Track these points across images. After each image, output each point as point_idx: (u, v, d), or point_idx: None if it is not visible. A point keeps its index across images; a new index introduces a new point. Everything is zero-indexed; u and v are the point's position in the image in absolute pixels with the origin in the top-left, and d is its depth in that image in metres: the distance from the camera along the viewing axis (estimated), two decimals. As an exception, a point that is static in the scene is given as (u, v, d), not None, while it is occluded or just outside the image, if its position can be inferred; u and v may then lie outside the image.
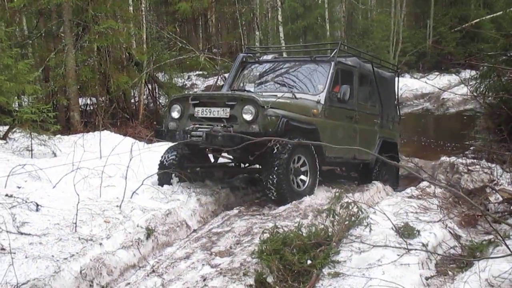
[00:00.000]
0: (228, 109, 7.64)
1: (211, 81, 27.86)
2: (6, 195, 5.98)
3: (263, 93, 8.70)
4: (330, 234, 5.50)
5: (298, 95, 8.56)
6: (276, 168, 7.40)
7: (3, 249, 4.76)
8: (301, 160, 7.90)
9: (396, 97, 11.55)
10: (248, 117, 7.43)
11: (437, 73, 28.58)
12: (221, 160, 9.01)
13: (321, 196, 8.05)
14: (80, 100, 16.82)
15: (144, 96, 19.63)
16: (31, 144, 10.47)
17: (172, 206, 6.90)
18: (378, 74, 10.41)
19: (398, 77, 12.17)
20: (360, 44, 27.42)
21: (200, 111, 7.88)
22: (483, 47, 24.41)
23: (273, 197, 7.57)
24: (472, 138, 14.69)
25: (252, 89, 9.22)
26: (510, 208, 7.05)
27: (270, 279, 4.74)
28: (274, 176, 7.40)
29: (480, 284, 4.15)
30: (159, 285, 4.82)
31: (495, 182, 8.45)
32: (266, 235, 5.33)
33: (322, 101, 8.57)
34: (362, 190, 8.87)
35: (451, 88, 25.87)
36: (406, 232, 5.40)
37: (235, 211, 7.52)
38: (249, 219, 6.87)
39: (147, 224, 6.08)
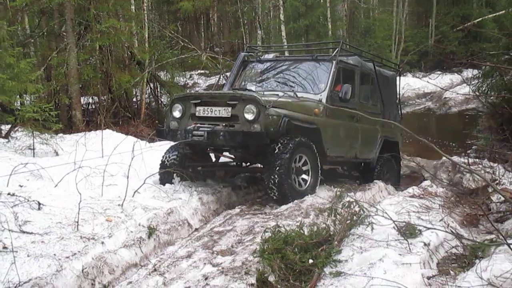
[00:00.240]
0: (230, 109, 7.63)
1: (213, 80, 27.89)
2: (8, 193, 5.99)
3: (265, 92, 8.70)
4: (331, 233, 5.51)
5: (299, 94, 8.55)
6: (277, 168, 7.39)
7: (5, 247, 4.76)
8: (303, 159, 7.89)
9: (398, 96, 11.53)
10: (249, 116, 7.42)
11: (439, 72, 28.58)
12: (222, 159, 9.00)
13: (323, 195, 8.03)
14: (82, 99, 16.86)
15: (146, 95, 19.65)
16: (33, 143, 10.49)
17: (174, 205, 6.91)
18: (379, 73, 10.40)
19: (400, 76, 12.16)
20: (362, 43, 27.41)
21: (201, 111, 7.87)
22: (485, 46, 24.34)
23: (274, 197, 7.56)
24: (474, 137, 14.70)
25: (253, 88, 9.22)
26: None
27: (271, 278, 4.74)
28: (276, 176, 7.39)
29: (481, 283, 4.14)
30: (160, 284, 4.83)
31: (497, 181, 8.45)
32: (268, 234, 5.33)
33: (324, 100, 8.56)
34: (364, 189, 8.87)
35: (453, 87, 25.85)
36: (407, 231, 5.39)
37: (237, 210, 7.52)
38: (251, 218, 6.87)
39: (149, 223, 6.09)
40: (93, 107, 17.99)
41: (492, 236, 5.70)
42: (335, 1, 32.43)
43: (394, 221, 5.48)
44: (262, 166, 8.33)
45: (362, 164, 10.22)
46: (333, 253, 5.02)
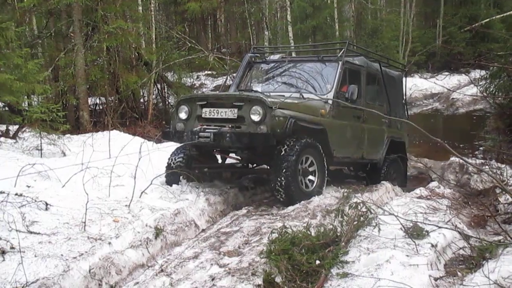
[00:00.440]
0: (236, 110, 7.61)
1: (220, 81, 27.92)
2: (16, 194, 6.01)
3: (271, 93, 8.68)
4: (338, 234, 5.50)
5: (305, 95, 8.53)
6: (284, 170, 7.38)
7: (12, 248, 4.78)
8: (309, 160, 7.87)
9: (404, 96, 11.50)
10: (256, 117, 7.40)
11: (446, 73, 28.50)
12: (228, 160, 9.00)
13: (330, 196, 8.02)
14: (89, 99, 16.91)
15: (153, 96, 19.68)
16: (41, 143, 10.52)
17: (181, 205, 6.91)
18: (385, 73, 10.37)
19: (406, 76, 12.12)
20: (369, 44, 27.34)
21: (207, 112, 7.86)
22: (493, 47, 24.27)
23: (281, 199, 7.55)
24: (482, 138, 14.65)
25: (259, 90, 9.21)
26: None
27: (278, 279, 4.73)
28: (283, 179, 7.38)
29: (489, 285, 4.13)
30: (167, 284, 4.83)
31: (505, 182, 8.42)
32: (275, 235, 5.33)
33: (330, 102, 8.55)
34: (371, 190, 8.84)
35: (460, 88, 25.80)
36: (415, 232, 5.38)
37: (244, 211, 7.51)
38: (258, 219, 6.86)
39: (156, 223, 6.09)
40: (101, 107, 18.03)
41: (500, 237, 5.68)
42: (342, 1, 32.41)
43: (401, 222, 5.47)
44: (268, 167, 8.31)
45: (369, 164, 10.18)
46: (340, 254, 5.01)
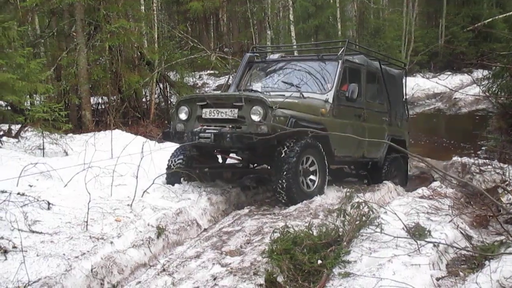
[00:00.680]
0: (236, 110, 7.60)
1: (222, 80, 27.92)
2: (18, 193, 6.02)
3: (271, 93, 8.68)
4: (340, 234, 5.49)
5: (305, 95, 8.52)
6: (285, 172, 7.38)
7: (14, 247, 4.79)
8: (310, 160, 7.87)
9: (404, 94, 11.49)
10: (256, 117, 7.39)
11: (449, 72, 28.45)
12: (229, 161, 8.99)
13: (332, 196, 8.03)
14: (91, 99, 16.91)
15: (156, 95, 19.69)
16: (43, 142, 10.53)
17: (183, 205, 6.92)
18: (385, 71, 10.37)
19: (406, 74, 12.11)
20: (371, 43, 27.33)
21: (207, 112, 7.85)
22: (496, 46, 24.27)
23: (283, 200, 7.56)
24: (484, 138, 14.62)
25: (259, 89, 9.20)
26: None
27: (280, 279, 4.73)
28: (284, 181, 7.38)
29: (491, 285, 4.12)
30: (169, 284, 4.83)
31: (507, 182, 8.40)
32: (277, 235, 5.33)
33: (330, 100, 8.54)
34: (373, 190, 8.84)
35: (463, 88, 25.75)
36: (417, 232, 5.37)
37: (246, 210, 7.52)
38: (260, 219, 6.86)
39: (158, 223, 6.10)
40: (103, 107, 18.04)
41: (502, 237, 5.66)
42: (345, 1, 32.39)
43: (403, 222, 5.46)
44: (269, 167, 8.30)
45: (370, 163, 10.18)
46: (342, 254, 5.00)
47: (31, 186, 6.70)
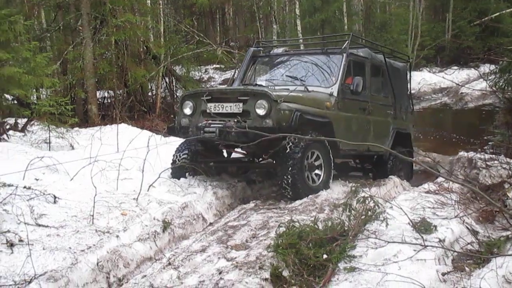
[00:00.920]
0: (241, 104, 7.58)
1: (228, 74, 27.93)
2: (24, 187, 6.03)
3: (275, 87, 8.66)
4: (346, 228, 5.49)
5: (310, 88, 8.50)
6: (290, 168, 7.36)
7: (21, 240, 4.80)
8: (315, 154, 7.85)
9: (409, 87, 11.45)
10: (261, 111, 7.38)
11: (456, 67, 28.37)
12: (234, 155, 8.99)
13: (338, 191, 8.02)
14: (97, 93, 16.95)
15: (162, 90, 19.72)
16: (49, 136, 10.56)
17: (188, 199, 6.92)
18: (390, 64, 10.33)
19: (411, 67, 12.06)
20: (378, 38, 27.25)
21: (212, 107, 7.83)
22: (503, 41, 24.10)
23: (289, 196, 7.54)
24: (491, 133, 14.56)
25: (263, 83, 9.18)
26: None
27: (285, 273, 4.74)
28: (289, 176, 7.36)
29: (497, 280, 4.12)
30: (175, 277, 4.83)
31: (514, 177, 8.38)
32: (282, 229, 5.33)
33: (335, 94, 8.52)
34: (379, 184, 8.82)
35: (469, 82, 25.67)
36: (422, 227, 5.37)
37: (252, 204, 7.51)
38: (265, 213, 6.86)
39: (164, 217, 6.11)
40: (109, 101, 18.08)
41: (508, 232, 5.65)
42: (351, -5, 32.32)
43: (409, 217, 5.46)
44: (274, 161, 8.29)
45: (375, 156, 10.16)
46: (348, 248, 5.00)
47: (37, 179, 6.71)
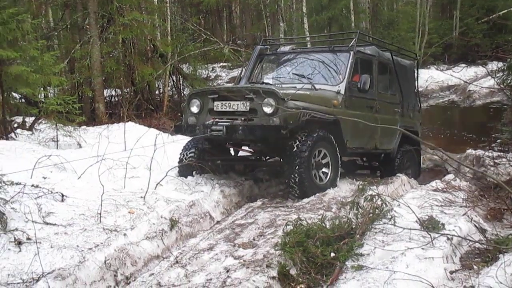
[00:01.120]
0: (248, 103, 7.57)
1: (235, 72, 27.91)
2: (32, 185, 6.04)
3: (282, 85, 8.64)
4: (353, 226, 5.48)
5: (317, 86, 8.47)
6: (297, 167, 7.34)
7: (29, 238, 4.81)
8: (322, 152, 7.84)
9: (416, 85, 11.41)
10: (268, 110, 7.36)
11: (463, 65, 28.24)
12: (241, 153, 8.98)
13: (345, 189, 8.01)
14: (105, 91, 16.99)
15: (169, 88, 19.76)
16: (57, 135, 10.59)
17: (196, 197, 6.93)
18: (397, 62, 10.29)
19: (418, 65, 12.02)
20: (385, 35, 27.17)
21: (219, 105, 7.82)
22: (511, 38, 24.02)
23: (296, 195, 7.54)
24: (499, 130, 14.52)
25: (270, 81, 9.17)
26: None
27: (293, 271, 4.74)
28: (296, 175, 7.35)
29: (505, 278, 4.10)
30: (182, 276, 4.84)
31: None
32: (290, 227, 5.33)
33: (342, 92, 8.49)
34: (386, 182, 8.81)
35: (477, 80, 25.53)
36: (430, 225, 5.35)
37: (259, 202, 7.51)
38: (273, 211, 6.86)
39: (171, 215, 6.11)
40: (116, 99, 18.13)
41: (517, 230, 5.63)
42: (358, -7, 32.22)
43: (417, 215, 5.44)
44: (281, 159, 8.28)
45: (382, 155, 10.14)
46: (355, 246, 4.99)
47: (45, 178, 6.73)
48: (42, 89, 13.37)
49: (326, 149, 7.87)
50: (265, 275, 4.55)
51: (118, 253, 5.01)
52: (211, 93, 8.03)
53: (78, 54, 16.06)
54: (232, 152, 9.03)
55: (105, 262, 4.80)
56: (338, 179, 8.07)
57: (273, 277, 4.58)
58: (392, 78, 10.13)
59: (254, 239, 5.74)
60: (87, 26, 16.82)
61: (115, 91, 18.14)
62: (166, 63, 18.63)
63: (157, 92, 19.93)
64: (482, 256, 5.03)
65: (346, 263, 4.77)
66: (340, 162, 8.14)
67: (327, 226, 5.41)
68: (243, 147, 8.64)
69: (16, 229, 4.90)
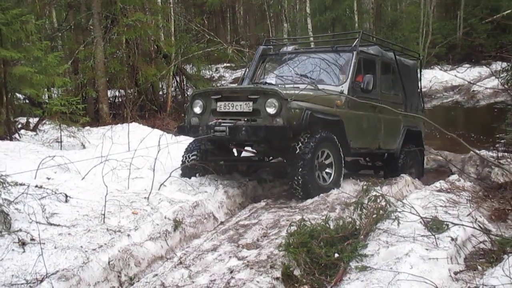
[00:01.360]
0: (251, 103, 7.56)
1: (239, 73, 27.90)
2: (36, 186, 6.05)
3: (285, 86, 8.63)
4: (357, 227, 5.47)
5: (320, 86, 8.45)
6: (300, 169, 7.34)
7: (33, 239, 4.82)
8: (325, 153, 7.83)
9: (419, 85, 11.38)
10: (271, 110, 7.35)
11: (467, 65, 28.19)
12: (244, 154, 8.97)
13: (349, 189, 7.99)
14: (108, 92, 17.02)
15: (172, 88, 19.77)
16: (61, 135, 10.61)
17: (199, 198, 6.92)
18: (400, 62, 10.26)
19: (421, 65, 11.99)
20: (389, 35, 27.16)
21: (222, 106, 7.81)
22: (515, 38, 24.01)
23: (299, 196, 7.52)
24: (503, 131, 14.49)
25: (273, 82, 9.15)
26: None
27: (297, 272, 4.73)
28: (299, 177, 7.34)
29: (510, 279, 4.08)
30: (186, 276, 4.84)
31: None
32: (293, 228, 5.32)
33: (346, 92, 8.47)
34: (390, 183, 8.79)
35: (481, 80, 25.49)
36: (434, 226, 5.34)
37: (263, 203, 7.51)
38: (276, 212, 6.86)
39: (175, 216, 6.11)
40: (120, 100, 18.14)
41: (521, 231, 5.62)
42: (362, -7, 32.21)
43: (421, 216, 5.43)
44: (285, 160, 8.27)
45: (386, 155, 10.12)
46: (359, 247, 4.99)
47: (49, 178, 6.74)
48: (46, 90, 13.38)
49: (329, 150, 7.85)
50: (269, 276, 4.55)
51: (122, 254, 5.01)
52: (214, 93, 8.02)
53: (82, 55, 16.09)
54: (235, 153, 9.02)
55: (109, 263, 4.80)
56: (341, 179, 8.06)
57: (277, 278, 4.57)
58: (395, 78, 10.11)
59: (258, 240, 5.73)
60: (91, 27, 16.84)
61: (119, 91, 18.16)
62: (170, 64, 18.63)
63: (160, 92, 19.94)
64: (486, 256, 5.01)
65: (350, 263, 4.76)
66: (343, 162, 8.13)
67: (331, 227, 5.40)
68: (246, 148, 8.63)
69: (20, 230, 4.91)
